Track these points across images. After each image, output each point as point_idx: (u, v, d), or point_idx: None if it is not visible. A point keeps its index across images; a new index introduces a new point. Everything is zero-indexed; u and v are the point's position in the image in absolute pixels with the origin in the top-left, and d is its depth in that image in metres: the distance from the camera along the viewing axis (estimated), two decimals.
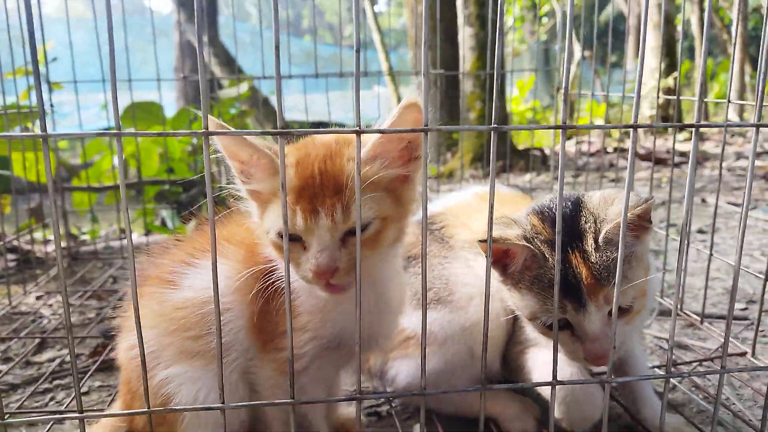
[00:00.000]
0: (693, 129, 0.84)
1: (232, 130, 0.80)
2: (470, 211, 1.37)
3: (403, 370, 1.27)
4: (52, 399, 1.51)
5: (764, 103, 0.96)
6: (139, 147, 3.17)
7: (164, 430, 1.05)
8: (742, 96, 8.70)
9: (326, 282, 0.88)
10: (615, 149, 5.37)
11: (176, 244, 1.12)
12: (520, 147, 5.41)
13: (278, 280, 0.96)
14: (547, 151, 5.48)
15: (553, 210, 1.06)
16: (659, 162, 4.96)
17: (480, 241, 1.01)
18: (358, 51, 0.75)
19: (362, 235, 0.88)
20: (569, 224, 1.03)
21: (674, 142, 1.91)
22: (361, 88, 0.80)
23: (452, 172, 4.69)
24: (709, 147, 6.18)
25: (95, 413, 0.83)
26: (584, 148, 4.89)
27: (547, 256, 1.03)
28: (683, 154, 5.42)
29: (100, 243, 2.92)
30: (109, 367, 1.62)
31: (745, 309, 2.00)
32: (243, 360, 1.03)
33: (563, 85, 0.80)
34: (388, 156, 0.92)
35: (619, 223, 0.90)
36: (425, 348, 0.90)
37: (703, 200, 3.78)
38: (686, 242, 1.08)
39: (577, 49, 7.50)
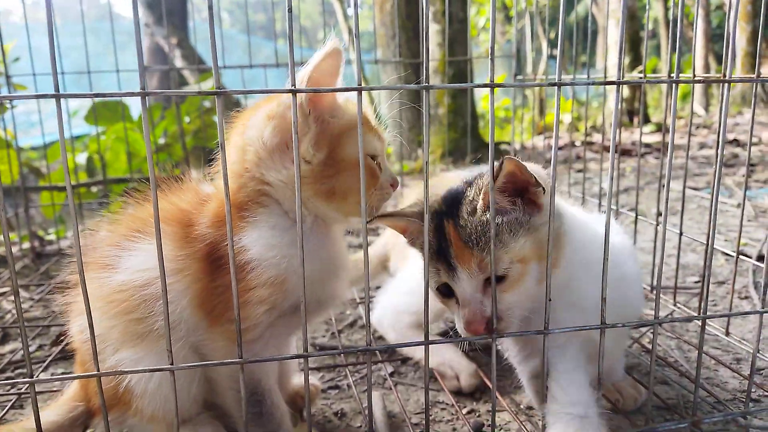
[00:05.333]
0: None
1: (167, 91, 0.82)
2: None
3: None
4: (13, 387, 1.50)
5: None
6: (104, 145, 3.16)
7: (117, 413, 1.04)
8: (707, 90, 8.92)
9: None
10: (582, 143, 5.47)
11: (110, 227, 1.09)
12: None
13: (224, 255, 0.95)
14: (517, 146, 5.57)
15: (454, 188, 1.06)
16: (624, 153, 5.07)
17: (379, 216, 1.04)
18: (290, 11, 0.78)
19: None
20: (455, 197, 1.02)
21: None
22: None
23: (422, 169, 4.71)
24: (674, 138, 6.32)
25: (46, 379, 0.85)
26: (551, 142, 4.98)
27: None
28: (648, 146, 5.55)
29: (65, 242, 2.90)
30: (71, 356, 1.62)
31: (698, 282, 2.07)
32: (193, 337, 1.01)
33: (490, 43, 0.84)
34: None
35: (488, 190, 0.90)
36: (369, 307, 0.93)
37: (663, 186, 3.87)
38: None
39: (545, 47, 7.64)
